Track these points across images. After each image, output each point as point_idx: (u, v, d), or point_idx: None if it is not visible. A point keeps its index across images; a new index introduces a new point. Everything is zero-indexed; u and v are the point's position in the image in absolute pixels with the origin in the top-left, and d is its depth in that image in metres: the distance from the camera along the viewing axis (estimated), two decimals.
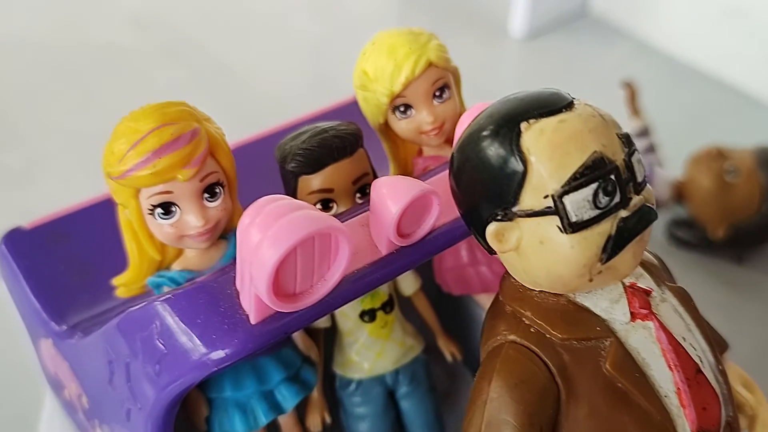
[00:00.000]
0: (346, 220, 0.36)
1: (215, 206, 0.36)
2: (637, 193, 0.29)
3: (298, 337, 0.42)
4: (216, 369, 0.32)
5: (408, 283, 0.46)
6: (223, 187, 0.36)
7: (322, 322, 0.44)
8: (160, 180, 0.34)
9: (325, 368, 0.45)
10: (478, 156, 0.29)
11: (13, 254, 0.46)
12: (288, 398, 0.39)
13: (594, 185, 0.28)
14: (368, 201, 0.38)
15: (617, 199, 0.28)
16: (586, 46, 0.99)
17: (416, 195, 0.33)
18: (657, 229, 0.52)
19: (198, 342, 0.32)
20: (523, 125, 0.28)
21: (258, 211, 0.30)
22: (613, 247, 0.28)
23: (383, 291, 0.43)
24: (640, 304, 0.31)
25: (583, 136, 0.28)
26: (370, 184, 0.41)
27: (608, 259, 0.29)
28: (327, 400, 0.44)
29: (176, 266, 0.38)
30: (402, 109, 0.42)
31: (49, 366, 0.46)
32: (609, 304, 0.31)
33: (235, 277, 0.33)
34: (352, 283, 0.34)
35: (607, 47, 0.98)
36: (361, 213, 0.36)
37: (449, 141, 0.44)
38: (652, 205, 0.30)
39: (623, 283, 0.31)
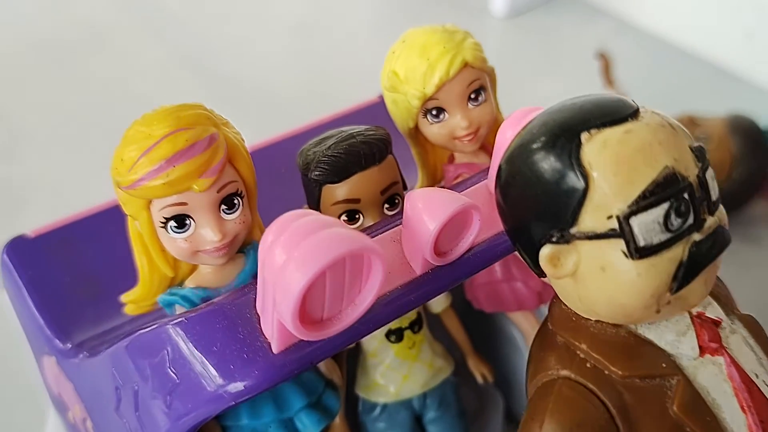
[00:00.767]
0: (376, 234, 0.33)
1: (233, 219, 0.33)
2: (711, 213, 0.26)
3: None
4: (233, 403, 0.29)
5: (437, 300, 0.43)
6: (241, 197, 0.33)
7: None
8: (174, 191, 0.31)
9: (348, 390, 0.42)
10: (531, 170, 0.26)
11: (15, 264, 0.43)
12: (309, 427, 0.36)
13: (665, 205, 0.24)
14: (399, 213, 0.35)
15: (690, 220, 0.25)
16: (567, 24, 1.00)
17: (456, 210, 0.30)
18: None
19: (214, 372, 0.29)
20: (584, 136, 0.25)
21: (283, 228, 0.27)
22: (684, 275, 0.25)
23: None
24: (710, 336, 0.27)
25: (652, 148, 0.25)
26: (399, 194, 0.38)
27: (679, 288, 0.25)
28: (349, 425, 0.41)
29: (189, 283, 0.35)
30: (434, 112, 0.39)
31: (53, 385, 0.43)
32: (675, 337, 0.27)
33: (255, 299, 0.30)
34: (383, 306, 0.31)
35: (588, 25, 0.99)
36: (392, 227, 0.33)
37: (484, 147, 0.41)
38: (726, 226, 0.26)
39: (690, 313, 0.28)
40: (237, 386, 0.28)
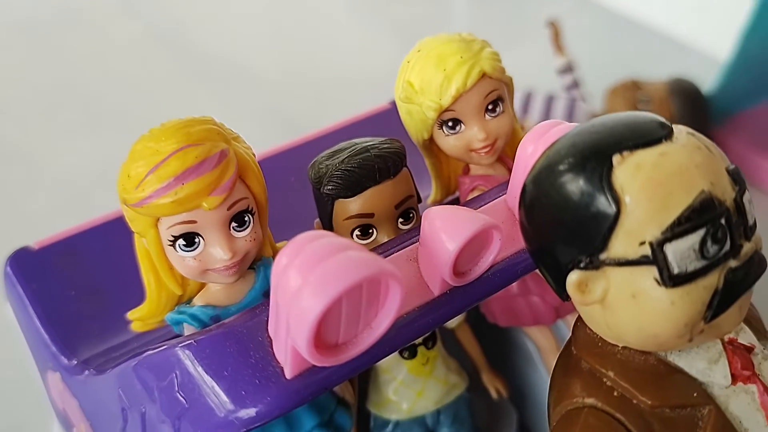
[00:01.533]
0: (392, 252, 0.32)
1: (244, 236, 0.32)
2: (748, 239, 0.25)
3: None
4: (245, 430, 0.27)
5: None
6: (252, 214, 0.32)
7: None
8: (183, 209, 0.30)
9: (360, 406, 0.41)
10: (558, 192, 0.25)
11: (19, 277, 0.42)
12: None
13: (701, 231, 0.23)
14: (413, 228, 0.34)
15: (727, 247, 0.24)
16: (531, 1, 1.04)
17: (476, 231, 0.29)
18: None
19: (225, 398, 0.28)
20: (616, 158, 0.24)
21: (297, 250, 0.26)
22: (720, 304, 0.24)
23: None
24: (742, 364, 0.26)
25: (689, 172, 0.23)
26: (413, 208, 0.37)
27: (714, 317, 0.24)
28: None
29: (198, 301, 0.34)
30: (450, 124, 0.38)
31: (58, 401, 0.42)
32: (707, 365, 0.26)
33: (267, 321, 0.29)
34: (400, 329, 0.29)
35: (552, 1, 1.02)
36: (408, 244, 0.32)
37: (501, 159, 0.40)
38: (761, 250, 0.25)
39: (722, 340, 0.27)
40: (248, 412, 0.27)
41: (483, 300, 0.32)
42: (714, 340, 0.26)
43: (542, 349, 0.43)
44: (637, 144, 0.24)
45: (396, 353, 0.39)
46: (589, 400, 0.26)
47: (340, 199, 0.35)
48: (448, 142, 0.38)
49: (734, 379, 0.26)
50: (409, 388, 0.40)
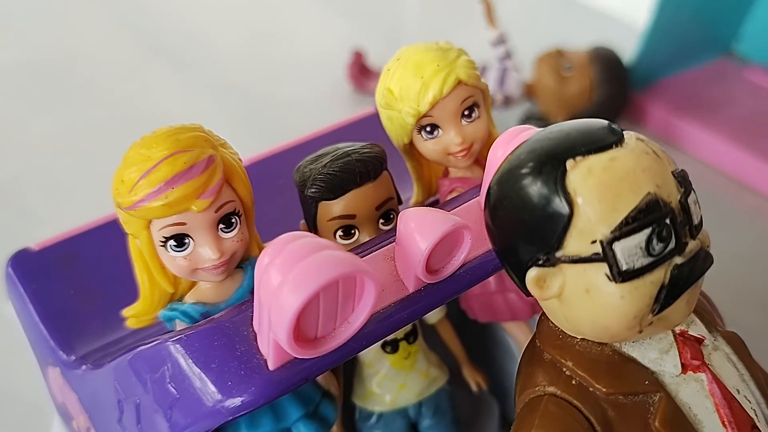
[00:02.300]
0: (370, 251, 0.34)
1: (231, 237, 0.34)
2: (693, 237, 0.26)
3: None
4: (231, 418, 0.29)
5: (432, 312, 0.43)
6: (239, 216, 0.34)
7: None
8: (173, 211, 0.32)
9: (345, 398, 0.43)
10: (518, 195, 0.27)
11: (20, 277, 0.44)
12: None
13: (647, 230, 0.25)
14: (393, 229, 0.36)
15: (672, 245, 0.26)
16: None
17: (447, 231, 0.31)
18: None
19: (213, 388, 0.30)
20: (569, 163, 0.26)
21: (278, 250, 0.28)
22: (666, 297, 0.26)
23: None
24: (692, 354, 0.28)
25: (636, 175, 0.25)
26: (394, 210, 0.39)
27: (661, 310, 0.26)
28: None
29: (189, 298, 0.36)
30: (428, 129, 0.40)
31: (57, 394, 0.44)
32: (658, 355, 0.28)
33: (252, 316, 0.31)
34: (377, 323, 0.31)
35: None
36: (385, 244, 0.34)
37: (478, 162, 0.42)
38: (709, 247, 0.27)
39: (673, 332, 0.29)
40: (234, 402, 0.29)
41: (456, 296, 0.34)
42: (664, 331, 0.28)
43: (520, 343, 0.45)
44: (590, 149, 0.26)
45: (379, 348, 0.41)
46: (550, 389, 0.28)
47: (324, 202, 0.37)
48: (427, 146, 0.40)
49: (684, 368, 0.28)
50: (392, 382, 0.42)
